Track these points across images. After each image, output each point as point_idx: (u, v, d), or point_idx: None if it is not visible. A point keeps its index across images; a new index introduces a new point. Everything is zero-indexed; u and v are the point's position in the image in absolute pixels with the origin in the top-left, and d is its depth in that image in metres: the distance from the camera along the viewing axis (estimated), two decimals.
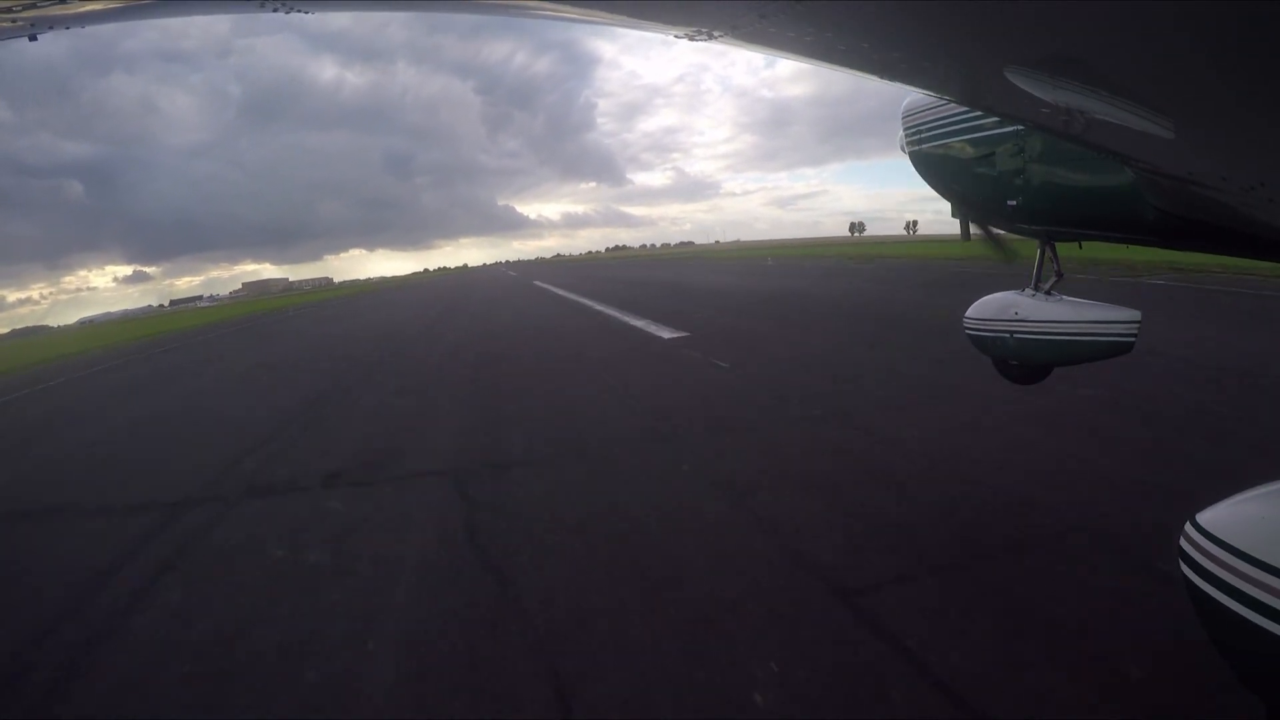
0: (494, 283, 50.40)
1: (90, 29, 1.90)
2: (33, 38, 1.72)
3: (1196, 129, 1.57)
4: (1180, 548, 1.54)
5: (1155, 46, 1.17)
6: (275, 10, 1.61)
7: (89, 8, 1.77)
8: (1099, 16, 1.11)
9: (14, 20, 1.58)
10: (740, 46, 1.70)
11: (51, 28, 1.70)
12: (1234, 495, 1.55)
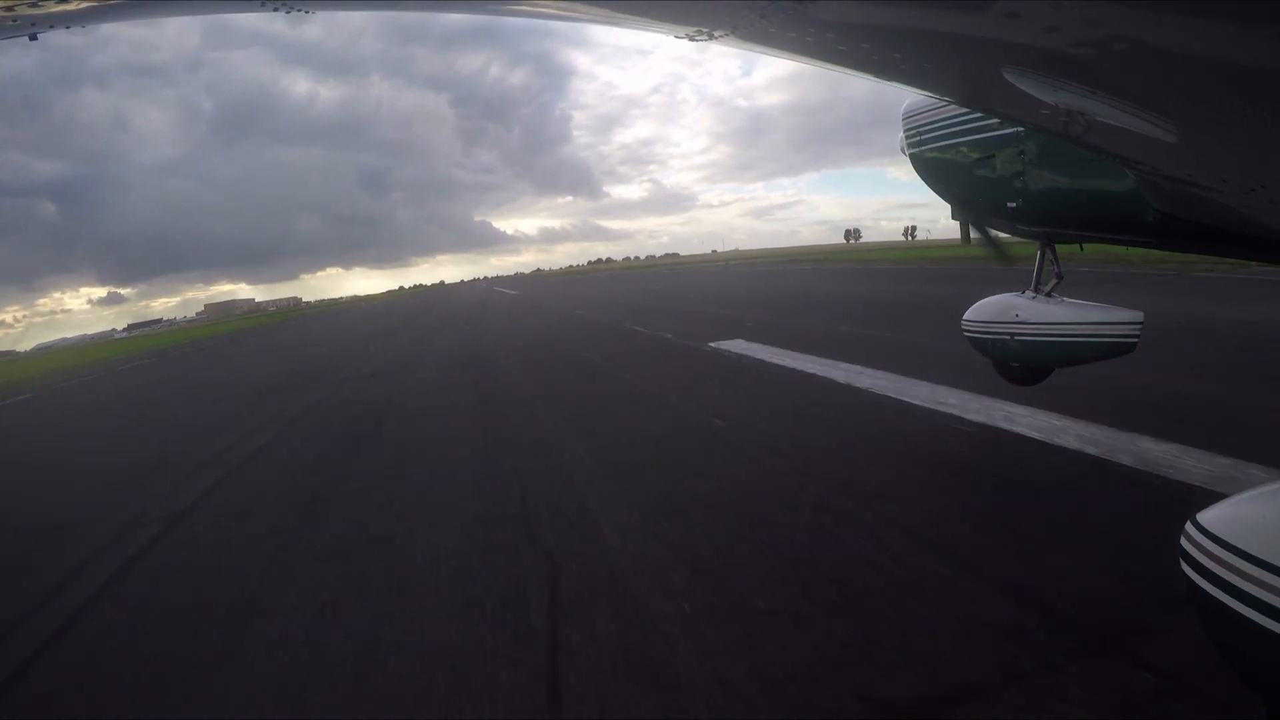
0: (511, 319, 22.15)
1: (89, 29, 1.90)
2: (33, 37, 1.72)
3: (1197, 131, 1.57)
4: (1181, 547, 1.54)
5: (1155, 49, 1.17)
6: (276, 9, 1.62)
7: (90, 5, 1.77)
8: (1098, 18, 1.11)
9: (15, 19, 1.58)
10: (741, 47, 1.71)
11: (52, 26, 1.70)
12: (1235, 495, 1.56)
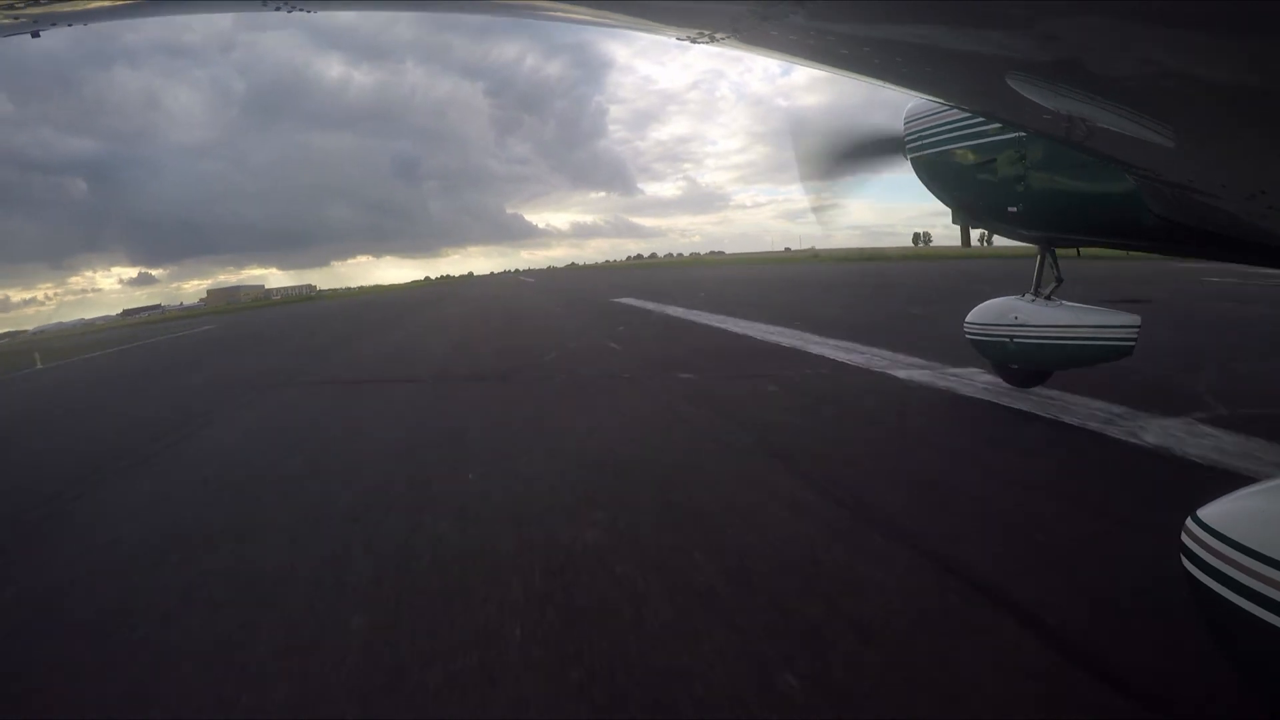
0: None
1: (92, 26, 1.90)
2: (35, 34, 1.72)
3: (1197, 137, 1.57)
4: (1182, 542, 1.54)
5: (1156, 55, 1.17)
6: (278, 8, 1.62)
7: (91, 5, 1.78)
8: (1100, 24, 1.11)
9: (16, 16, 1.58)
10: (742, 49, 1.70)
11: (54, 24, 1.70)
12: (1235, 490, 1.56)
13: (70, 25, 1.78)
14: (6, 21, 1.57)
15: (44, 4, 1.55)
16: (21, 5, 1.52)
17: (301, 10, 1.60)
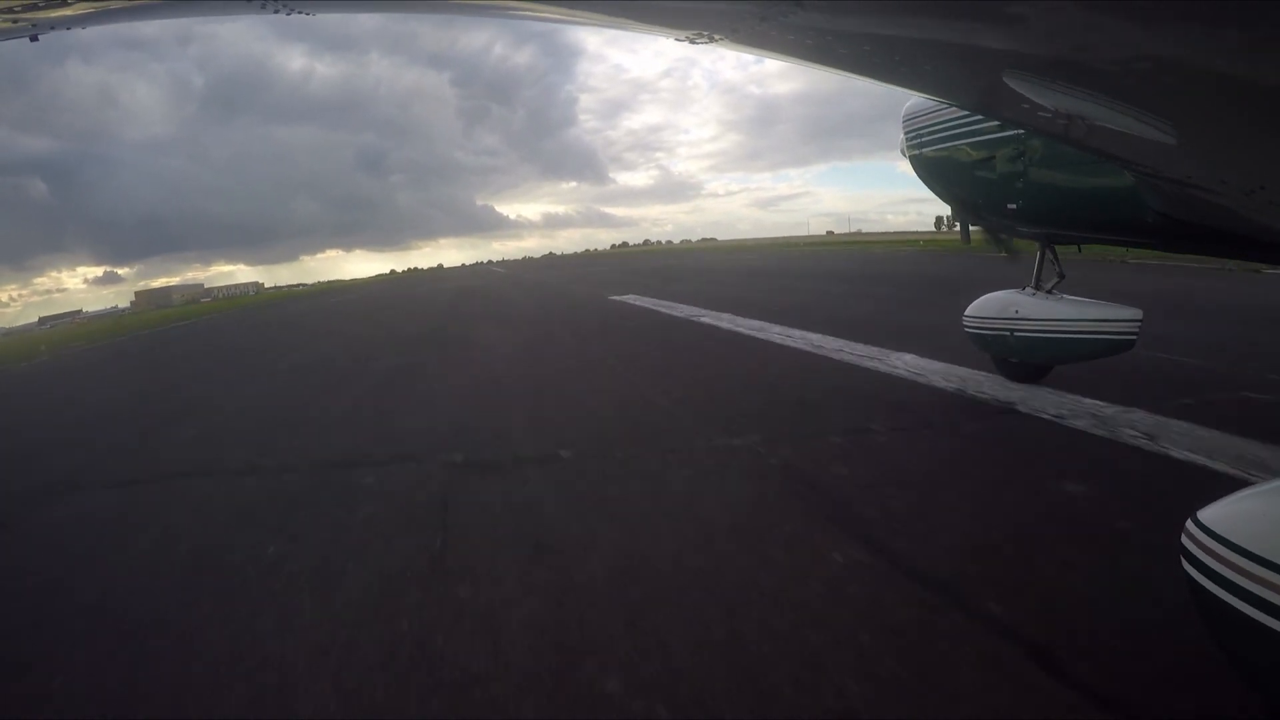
0: None
1: (92, 29, 1.90)
2: (34, 38, 1.72)
3: (1197, 134, 1.57)
4: (1182, 545, 1.53)
5: (1154, 52, 1.17)
6: (276, 11, 1.62)
7: (90, 8, 1.77)
8: (1096, 21, 1.11)
9: (15, 20, 1.58)
10: (741, 49, 1.70)
11: (53, 28, 1.70)
12: (1235, 493, 1.55)
13: (69, 29, 1.78)
14: (5, 25, 1.57)
15: (42, 8, 1.55)
16: (20, 9, 1.52)
17: (302, 13, 1.60)
